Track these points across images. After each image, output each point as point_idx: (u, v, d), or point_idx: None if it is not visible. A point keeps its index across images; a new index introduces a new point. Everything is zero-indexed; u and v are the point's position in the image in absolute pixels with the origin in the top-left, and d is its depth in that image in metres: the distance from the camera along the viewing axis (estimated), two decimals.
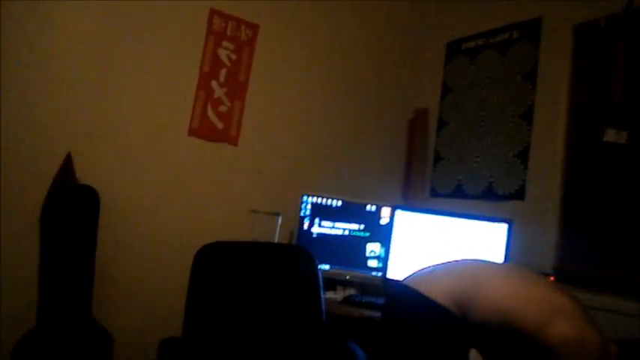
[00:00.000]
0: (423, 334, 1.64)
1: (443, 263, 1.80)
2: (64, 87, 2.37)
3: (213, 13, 2.71)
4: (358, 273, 2.74)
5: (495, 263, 1.84)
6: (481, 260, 1.84)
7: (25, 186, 2.26)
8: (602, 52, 2.46)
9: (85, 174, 2.34)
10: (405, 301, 1.72)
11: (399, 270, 2.59)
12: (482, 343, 1.68)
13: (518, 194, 2.69)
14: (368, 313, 2.37)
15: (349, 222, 2.77)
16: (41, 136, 2.31)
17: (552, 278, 2.34)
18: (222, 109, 2.74)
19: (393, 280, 2.58)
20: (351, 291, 2.71)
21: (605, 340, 1.50)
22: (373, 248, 2.76)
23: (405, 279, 1.78)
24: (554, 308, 1.54)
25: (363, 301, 2.50)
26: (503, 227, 2.43)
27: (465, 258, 1.85)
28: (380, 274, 2.73)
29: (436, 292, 1.64)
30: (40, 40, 2.31)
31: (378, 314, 2.34)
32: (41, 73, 2.32)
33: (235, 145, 2.78)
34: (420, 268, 1.81)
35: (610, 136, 2.37)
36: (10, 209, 2.22)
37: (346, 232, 2.77)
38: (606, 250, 2.33)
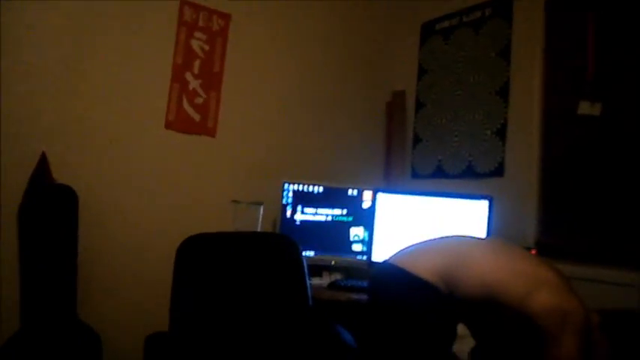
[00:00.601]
0: (410, 312, 1.65)
1: (427, 240, 1.81)
2: (34, 85, 2.32)
3: (183, 3, 2.67)
4: (343, 258, 2.75)
5: (479, 238, 1.85)
6: (465, 236, 1.85)
7: (1, 187, 2.22)
8: (574, 25, 2.48)
9: (61, 173, 2.30)
10: (391, 280, 1.72)
11: (383, 253, 2.61)
12: (469, 320, 1.70)
13: (498, 171, 2.71)
14: (354, 296, 2.38)
15: (332, 207, 2.77)
16: (14, 137, 2.27)
17: (534, 252, 2.37)
18: (198, 100, 2.72)
19: (377, 261, 2.59)
20: (337, 276, 2.72)
21: (587, 311, 1.52)
22: (357, 232, 2.77)
23: (389, 257, 1.77)
24: (537, 280, 1.55)
25: (349, 285, 2.51)
26: (484, 204, 2.45)
27: (449, 235, 1.86)
28: (365, 257, 2.74)
29: (422, 269, 1.64)
30: (9, 37, 2.26)
31: (364, 297, 2.36)
32: (11, 71, 2.27)
33: (213, 136, 2.76)
34: (404, 246, 1.81)
35: (584, 108, 2.39)
36: None
37: (329, 218, 2.77)
38: (586, 221, 2.36)
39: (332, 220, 2.77)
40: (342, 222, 2.78)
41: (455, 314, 1.65)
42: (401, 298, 1.68)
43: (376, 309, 1.78)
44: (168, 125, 2.63)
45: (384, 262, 1.78)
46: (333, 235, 2.76)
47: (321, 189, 2.78)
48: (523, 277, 1.57)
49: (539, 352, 1.49)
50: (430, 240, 1.81)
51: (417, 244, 1.81)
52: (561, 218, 2.47)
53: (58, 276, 2.21)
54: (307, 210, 2.75)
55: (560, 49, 2.55)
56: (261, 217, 2.58)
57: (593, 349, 1.51)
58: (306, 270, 2.23)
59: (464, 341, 1.64)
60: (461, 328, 1.63)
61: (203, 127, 2.73)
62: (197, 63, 2.71)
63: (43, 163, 2.28)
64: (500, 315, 1.61)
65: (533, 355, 1.53)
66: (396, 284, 1.70)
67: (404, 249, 1.80)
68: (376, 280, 1.82)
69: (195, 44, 2.71)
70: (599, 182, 2.33)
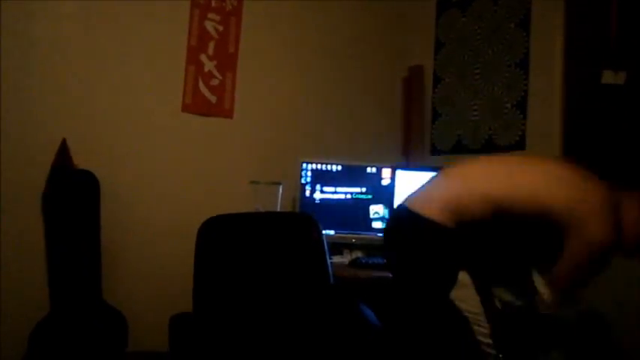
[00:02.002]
0: (416, 252, 1.69)
1: (435, 177, 1.81)
2: (54, 73, 2.34)
3: None
4: (363, 235, 2.75)
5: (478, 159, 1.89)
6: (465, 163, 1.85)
7: (23, 176, 2.26)
8: None
9: (81, 159, 2.34)
10: (401, 222, 1.76)
11: None
12: (474, 257, 1.69)
13: (519, 144, 2.67)
14: (375, 273, 2.38)
15: (351, 186, 2.77)
16: (35, 125, 2.30)
17: None
18: (214, 82, 2.71)
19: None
20: (358, 253, 2.72)
21: (607, 191, 1.59)
22: (377, 210, 2.77)
23: (404, 200, 1.78)
24: (549, 179, 1.60)
25: (370, 262, 2.51)
26: None
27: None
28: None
29: (432, 208, 1.64)
30: (30, 26, 2.28)
31: (385, 274, 2.37)
32: (30, 61, 2.29)
33: (230, 117, 2.76)
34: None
35: (608, 77, 2.33)
36: (11, 200, 2.23)
37: (348, 196, 2.77)
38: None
39: (351, 198, 2.77)
40: (362, 200, 2.77)
41: (461, 254, 1.65)
42: (408, 240, 1.72)
43: (389, 250, 1.84)
44: (185, 108, 2.64)
45: (399, 205, 1.80)
46: (352, 213, 2.76)
47: (339, 167, 2.77)
48: (525, 181, 1.60)
49: (561, 246, 1.54)
50: (437, 177, 1.81)
51: (427, 183, 1.80)
52: None
53: (83, 260, 2.26)
54: (326, 189, 2.75)
55: (581, 18, 2.48)
56: (280, 197, 2.59)
57: (623, 220, 1.56)
58: (326, 248, 2.23)
59: (463, 290, 1.62)
60: (462, 276, 1.62)
61: (220, 108, 2.73)
62: (212, 44, 2.70)
63: (63, 149, 2.31)
64: (512, 225, 1.62)
65: (553, 253, 1.56)
66: (405, 226, 1.72)
67: (417, 190, 1.80)
68: (390, 223, 1.88)
69: (209, 25, 2.70)
70: (623, 153, 2.28)
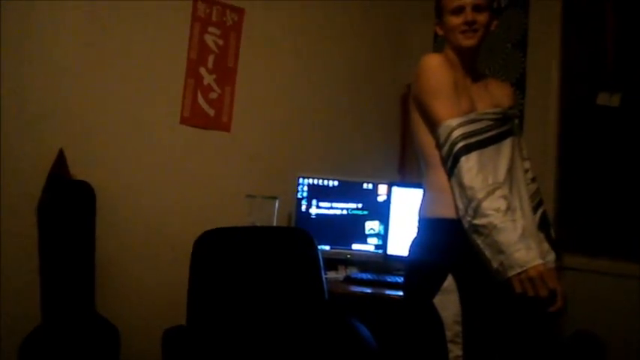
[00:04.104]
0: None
1: None
2: (52, 83, 2.35)
3: None
4: (359, 251, 2.75)
5: None
6: None
7: (19, 184, 2.25)
8: (592, 14, 2.44)
9: (78, 169, 2.33)
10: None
11: (398, 246, 2.60)
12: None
13: None
14: (370, 290, 2.38)
15: (347, 201, 2.77)
16: (32, 134, 2.30)
17: None
18: (213, 95, 2.72)
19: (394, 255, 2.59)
20: (353, 270, 2.72)
21: None
22: (372, 226, 2.77)
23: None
24: None
25: (365, 278, 2.51)
26: None
27: None
28: (380, 251, 2.73)
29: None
30: (26, 35, 2.29)
31: (379, 291, 2.36)
32: (28, 70, 2.30)
33: (228, 131, 2.76)
34: None
35: (603, 99, 2.36)
36: (5, 208, 2.22)
37: (344, 212, 2.77)
38: (603, 214, 2.33)
39: (347, 213, 2.77)
40: (358, 216, 2.77)
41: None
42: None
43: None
44: (184, 121, 2.65)
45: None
46: (348, 229, 2.76)
47: (336, 183, 2.78)
48: None
49: None
50: None
51: None
52: (578, 211, 2.44)
53: (77, 271, 2.24)
54: (322, 204, 2.75)
55: (578, 40, 2.51)
56: (276, 211, 2.59)
57: None
58: (321, 264, 2.23)
59: (448, 297, 1.57)
60: (448, 281, 1.57)
61: (218, 122, 2.74)
62: (211, 58, 2.72)
63: (60, 159, 2.31)
64: None
65: None
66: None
67: None
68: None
69: (209, 39, 2.71)
70: (618, 175, 2.30)
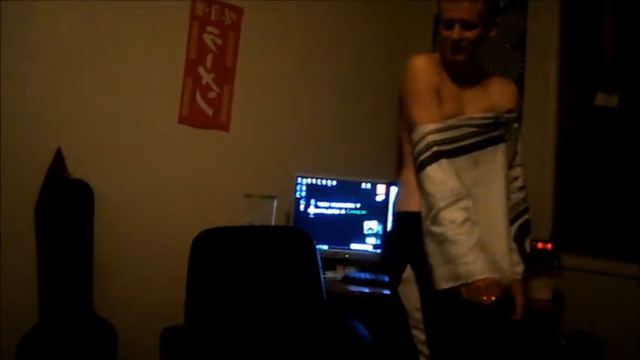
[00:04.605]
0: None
1: None
2: (50, 82, 2.34)
3: None
4: (357, 251, 2.75)
5: None
6: None
7: (17, 183, 2.25)
8: (590, 15, 2.44)
9: (76, 168, 2.33)
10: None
11: None
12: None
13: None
14: (368, 290, 2.38)
15: (345, 201, 2.77)
16: (31, 132, 2.30)
17: (550, 245, 2.35)
18: (211, 95, 2.72)
19: None
20: (351, 269, 2.72)
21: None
22: (370, 226, 2.77)
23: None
24: None
25: (363, 278, 2.51)
26: None
27: None
28: (379, 250, 2.73)
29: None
30: (25, 34, 2.29)
31: (378, 291, 2.36)
32: (27, 69, 2.29)
33: (226, 130, 2.76)
34: None
35: (601, 99, 2.36)
36: (3, 207, 2.21)
37: (343, 212, 2.77)
38: (602, 214, 2.34)
39: (345, 213, 2.77)
40: (356, 215, 2.77)
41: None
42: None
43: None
44: (182, 120, 2.64)
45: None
46: (346, 229, 2.76)
47: (334, 182, 2.78)
48: None
49: None
50: None
51: None
52: (577, 212, 2.44)
53: (75, 270, 2.24)
54: (320, 204, 2.75)
55: (576, 40, 2.52)
56: (274, 210, 2.58)
57: None
58: (320, 263, 2.23)
59: (408, 286, 1.65)
60: (407, 273, 1.64)
61: (216, 121, 2.73)
62: (210, 57, 2.72)
63: (58, 158, 2.30)
64: None
65: None
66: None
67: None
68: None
69: (207, 39, 2.71)
70: (616, 175, 2.30)
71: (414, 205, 1.65)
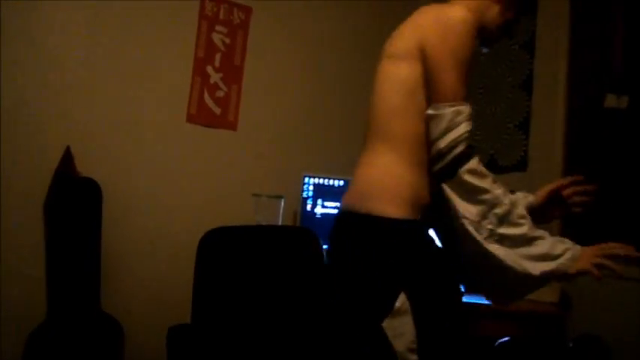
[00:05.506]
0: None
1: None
2: (60, 81, 2.36)
3: None
4: None
5: None
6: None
7: (26, 181, 2.26)
8: (600, 15, 2.42)
9: (85, 167, 2.34)
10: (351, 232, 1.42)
11: None
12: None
13: (521, 165, 2.67)
14: None
15: None
16: (39, 131, 2.32)
17: None
18: (219, 94, 2.73)
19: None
20: None
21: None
22: None
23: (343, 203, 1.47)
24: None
25: None
26: None
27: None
28: None
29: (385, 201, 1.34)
30: (36, 34, 2.30)
31: None
32: (37, 68, 2.31)
33: (234, 129, 2.77)
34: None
35: (611, 101, 2.35)
36: (12, 205, 2.23)
37: None
38: (611, 217, 2.32)
39: None
40: None
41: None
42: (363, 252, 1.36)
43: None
44: (190, 119, 2.65)
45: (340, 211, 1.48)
46: None
47: (341, 182, 2.77)
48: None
49: None
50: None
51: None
52: (585, 213, 2.43)
53: (83, 268, 2.25)
54: (328, 204, 2.75)
55: (586, 41, 2.50)
56: (282, 210, 2.58)
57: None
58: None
59: (401, 319, 1.26)
60: (400, 302, 1.26)
61: (224, 120, 2.74)
62: (218, 56, 2.72)
63: (67, 157, 2.32)
64: None
65: None
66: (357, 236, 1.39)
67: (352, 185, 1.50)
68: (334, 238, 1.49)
69: (216, 38, 2.72)
70: (625, 177, 2.28)
71: (403, 208, 1.31)
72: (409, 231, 1.32)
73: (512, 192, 1.46)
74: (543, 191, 1.49)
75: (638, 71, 2.28)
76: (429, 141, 1.33)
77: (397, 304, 1.25)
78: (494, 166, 2.80)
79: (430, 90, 1.34)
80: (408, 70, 1.39)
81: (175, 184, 2.61)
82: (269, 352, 2.01)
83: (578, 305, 2.32)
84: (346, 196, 1.52)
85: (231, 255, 2.11)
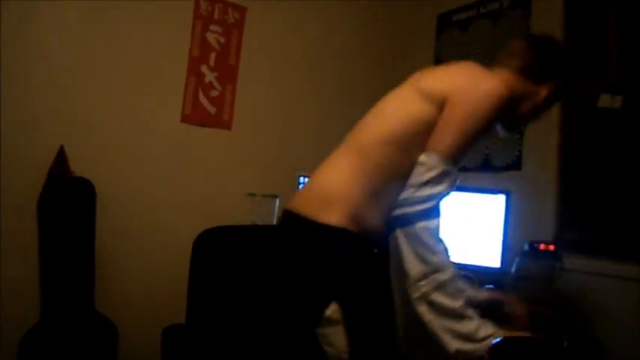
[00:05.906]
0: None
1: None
2: (53, 80, 2.35)
3: None
4: None
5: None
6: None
7: (19, 181, 2.25)
8: (594, 16, 2.43)
9: (79, 166, 2.33)
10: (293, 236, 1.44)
11: None
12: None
13: (515, 165, 2.68)
14: None
15: None
16: (33, 131, 2.30)
17: (552, 247, 2.34)
18: (214, 93, 2.72)
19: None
20: None
21: None
22: None
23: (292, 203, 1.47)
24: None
25: None
26: (501, 198, 2.43)
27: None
28: None
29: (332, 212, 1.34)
30: (30, 34, 2.29)
31: None
32: (30, 67, 2.29)
33: (229, 129, 2.76)
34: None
35: (605, 101, 2.35)
36: (5, 205, 2.21)
37: None
38: (605, 216, 2.33)
39: None
40: None
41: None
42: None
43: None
44: (185, 118, 2.64)
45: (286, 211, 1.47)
46: None
47: None
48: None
49: None
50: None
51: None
52: (580, 213, 2.43)
53: (76, 268, 2.24)
54: None
55: (579, 41, 2.51)
56: (277, 210, 2.58)
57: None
58: None
59: (331, 328, 1.28)
60: (331, 311, 1.27)
61: (219, 120, 2.73)
62: (213, 56, 2.72)
63: (61, 156, 2.31)
64: None
65: None
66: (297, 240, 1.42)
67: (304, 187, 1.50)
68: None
69: (210, 37, 2.71)
70: (619, 177, 2.29)
71: (346, 220, 1.30)
72: (346, 240, 1.31)
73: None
74: (488, 294, 1.50)
75: (632, 71, 2.28)
76: (399, 181, 1.34)
77: (327, 312, 1.27)
78: (489, 166, 2.80)
79: (432, 137, 1.35)
80: (421, 108, 1.39)
81: (170, 184, 2.60)
82: (263, 352, 2.00)
83: (573, 304, 2.32)
84: (298, 196, 1.54)
85: (226, 254, 2.10)
